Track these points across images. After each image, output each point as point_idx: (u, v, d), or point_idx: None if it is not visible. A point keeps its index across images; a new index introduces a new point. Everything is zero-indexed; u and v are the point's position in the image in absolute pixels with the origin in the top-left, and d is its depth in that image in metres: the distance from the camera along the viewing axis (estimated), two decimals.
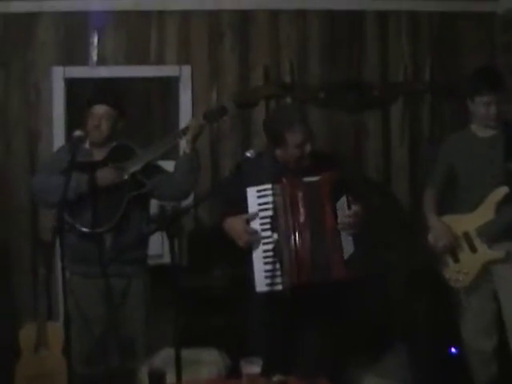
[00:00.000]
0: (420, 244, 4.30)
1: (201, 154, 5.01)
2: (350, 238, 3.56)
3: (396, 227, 5.23)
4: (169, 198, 4.24)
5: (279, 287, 3.57)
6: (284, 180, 3.61)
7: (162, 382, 2.95)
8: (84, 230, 3.92)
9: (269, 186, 3.62)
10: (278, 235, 3.59)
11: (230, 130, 5.30)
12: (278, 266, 3.57)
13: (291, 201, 3.59)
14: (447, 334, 4.51)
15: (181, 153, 4.16)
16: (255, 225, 3.63)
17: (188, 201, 4.31)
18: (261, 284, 3.59)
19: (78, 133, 3.82)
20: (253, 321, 3.81)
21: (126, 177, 3.95)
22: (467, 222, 4.01)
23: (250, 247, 3.64)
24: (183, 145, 4.13)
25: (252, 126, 5.31)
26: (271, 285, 3.58)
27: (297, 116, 3.67)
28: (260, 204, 3.64)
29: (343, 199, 3.57)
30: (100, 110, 3.99)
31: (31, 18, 5.19)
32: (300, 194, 3.59)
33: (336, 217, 3.55)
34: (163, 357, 3.57)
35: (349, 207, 3.56)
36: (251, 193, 3.65)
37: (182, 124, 5.15)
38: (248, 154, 3.49)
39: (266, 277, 3.58)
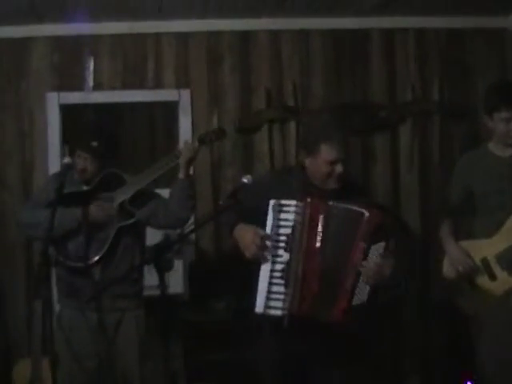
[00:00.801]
0: (434, 272, 4.13)
1: (201, 180, 5.05)
2: (367, 287, 3.29)
3: (413, 261, 5.01)
4: (165, 227, 4.04)
5: (278, 312, 3.32)
6: (308, 199, 3.34)
7: None
8: (70, 263, 3.79)
9: (294, 202, 3.35)
10: (290, 257, 3.33)
11: (231, 156, 5.15)
12: (282, 289, 3.33)
13: (310, 223, 3.32)
14: (463, 366, 4.29)
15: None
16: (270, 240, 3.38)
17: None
18: (261, 305, 3.34)
19: (66, 160, 3.76)
20: (259, 358, 3.57)
21: (115, 208, 3.80)
22: (486, 248, 3.79)
23: (256, 261, 3.37)
24: None
25: (254, 151, 5.16)
26: (271, 308, 3.32)
27: (338, 132, 3.44)
28: (280, 219, 3.35)
29: (381, 245, 3.28)
30: (83, 155, 3.84)
31: (24, 43, 5.07)
32: (321, 218, 3.31)
33: (364, 258, 3.28)
34: None
35: (383, 256, 3.28)
36: (274, 206, 3.37)
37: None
38: (245, 180, 3.32)
39: (268, 298, 3.33)
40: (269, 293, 3.34)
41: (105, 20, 5.02)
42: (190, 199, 3.87)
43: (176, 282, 4.98)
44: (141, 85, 5.15)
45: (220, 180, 5.13)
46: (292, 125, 5.14)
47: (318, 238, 3.31)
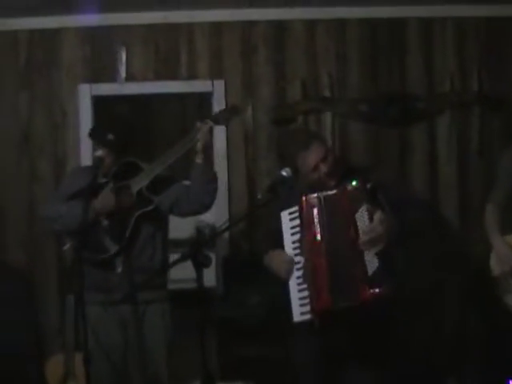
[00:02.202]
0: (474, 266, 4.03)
1: (236, 173, 5.03)
2: (373, 256, 3.24)
3: (445, 246, 4.91)
4: (188, 213, 3.94)
5: (309, 316, 3.32)
6: (303, 198, 3.38)
7: None
8: (90, 256, 3.74)
9: (296, 207, 3.41)
10: (304, 258, 3.36)
11: (266, 148, 5.07)
12: (306, 293, 3.33)
13: (308, 220, 3.36)
14: (505, 365, 4.19)
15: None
16: (289, 250, 3.43)
17: (222, 224, 4.06)
18: (296, 314, 3.37)
19: (99, 153, 3.78)
20: (293, 356, 3.61)
21: (133, 196, 3.74)
22: None
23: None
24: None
25: None
26: (304, 314, 3.33)
27: (304, 138, 3.50)
28: (292, 227, 3.44)
29: (362, 208, 3.26)
30: (101, 150, 3.82)
31: (55, 34, 5.04)
32: (315, 211, 3.35)
33: (357, 231, 3.26)
34: None
35: (370, 219, 3.25)
36: (284, 217, 3.46)
37: (217, 142, 5.00)
38: (284, 173, 3.33)
39: (300, 305, 3.35)
40: (299, 299, 3.36)
41: (137, 10, 4.97)
42: (211, 183, 3.80)
43: (209, 275, 4.94)
44: (174, 76, 5.09)
45: (255, 173, 5.06)
46: (328, 116, 5.05)
47: (318, 232, 3.34)
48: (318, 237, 3.34)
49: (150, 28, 5.06)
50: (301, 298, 3.35)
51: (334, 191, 3.37)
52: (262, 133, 4.99)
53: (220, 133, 4.99)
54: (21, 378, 4.62)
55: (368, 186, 3.29)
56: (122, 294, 3.76)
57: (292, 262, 3.40)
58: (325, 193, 3.37)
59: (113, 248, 3.76)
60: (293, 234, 3.42)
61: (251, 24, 5.10)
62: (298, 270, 3.38)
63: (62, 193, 3.92)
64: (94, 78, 5.05)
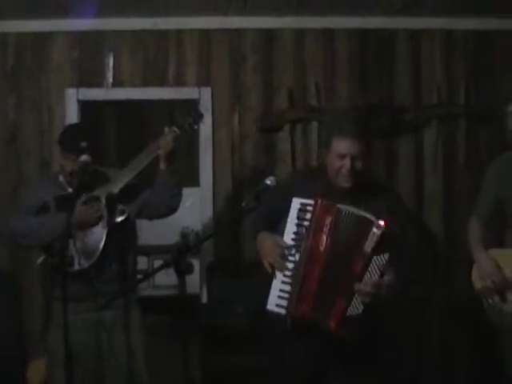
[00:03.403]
0: (458, 281, 4.03)
1: (222, 180, 5.02)
2: (360, 302, 3.17)
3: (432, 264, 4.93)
4: (155, 216, 4.00)
5: (282, 311, 3.30)
6: (319, 200, 3.28)
7: None
8: (65, 268, 3.68)
9: (311, 201, 3.30)
10: (299, 257, 3.30)
11: (252, 156, 5.07)
12: (289, 288, 3.30)
13: (318, 224, 3.27)
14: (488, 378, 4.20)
15: None
16: (288, 239, 3.34)
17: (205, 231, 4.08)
18: (272, 303, 3.33)
19: (84, 157, 3.72)
20: (277, 361, 3.56)
21: (103, 207, 3.76)
22: None
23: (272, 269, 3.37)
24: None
25: (276, 152, 5.07)
26: (279, 306, 3.31)
27: (352, 127, 3.31)
28: (299, 218, 3.32)
29: (383, 257, 3.14)
30: (73, 157, 3.77)
31: (45, 37, 5.02)
32: (328, 220, 3.24)
33: (365, 269, 3.16)
34: None
35: (381, 274, 3.16)
36: (295, 204, 3.34)
37: (203, 149, 5.04)
38: (268, 182, 3.28)
39: (279, 296, 3.32)
40: (279, 291, 3.32)
41: (127, 16, 4.96)
42: (176, 186, 3.89)
43: (193, 282, 4.94)
44: (161, 82, 5.08)
45: (241, 181, 5.04)
46: (314, 125, 5.04)
47: (323, 241, 3.25)
48: (322, 247, 3.24)
49: (139, 34, 5.05)
50: (282, 290, 3.31)
51: (356, 210, 3.24)
52: (249, 140, 5.00)
53: (207, 140, 5.02)
54: (2, 380, 4.54)
55: (395, 233, 3.16)
56: (97, 303, 3.76)
57: (283, 259, 3.33)
58: (347, 207, 3.25)
59: (86, 261, 3.75)
60: (298, 226, 3.33)
61: (240, 32, 5.09)
62: (289, 262, 3.32)
63: (26, 206, 3.87)
64: (82, 83, 5.03)
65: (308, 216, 3.29)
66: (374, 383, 3.44)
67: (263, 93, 5.10)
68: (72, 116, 4.99)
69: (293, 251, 3.33)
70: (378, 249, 3.13)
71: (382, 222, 3.12)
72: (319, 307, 3.23)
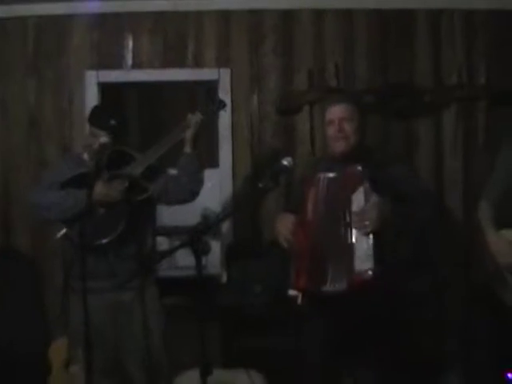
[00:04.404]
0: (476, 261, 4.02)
1: (241, 161, 5.05)
2: (368, 238, 3.24)
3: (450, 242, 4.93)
4: (176, 201, 4.02)
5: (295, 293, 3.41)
6: (306, 177, 3.51)
7: None
8: (85, 244, 3.72)
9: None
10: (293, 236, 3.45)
11: (271, 138, 5.08)
12: (297, 270, 3.41)
13: (305, 199, 3.45)
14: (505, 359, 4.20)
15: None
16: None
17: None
18: (290, 286, 3.44)
19: (103, 139, 3.81)
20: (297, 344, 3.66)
21: (126, 184, 3.79)
22: None
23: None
24: None
25: (295, 133, 5.07)
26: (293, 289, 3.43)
27: (342, 94, 3.54)
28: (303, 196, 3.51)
29: (360, 190, 3.28)
30: (100, 133, 3.86)
31: (63, 20, 5.05)
32: (312, 192, 3.43)
33: (350, 214, 3.28)
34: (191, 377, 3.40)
35: (366, 200, 3.26)
36: (300, 183, 3.60)
37: (222, 130, 5.08)
38: (285, 162, 3.34)
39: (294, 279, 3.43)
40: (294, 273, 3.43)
41: None
42: (199, 171, 3.93)
43: (213, 263, 5.00)
44: (181, 63, 5.10)
45: (260, 161, 5.05)
46: None
47: (309, 212, 3.41)
48: (309, 217, 3.40)
49: (158, 15, 5.07)
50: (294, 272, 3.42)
51: (335, 173, 3.42)
52: (268, 122, 5.02)
53: (226, 121, 5.03)
54: (25, 360, 4.66)
55: (369, 171, 3.31)
56: (114, 282, 3.82)
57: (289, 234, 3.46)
58: (327, 174, 3.42)
59: (107, 236, 3.80)
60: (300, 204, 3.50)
61: (259, 13, 5.09)
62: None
63: (51, 181, 3.93)
64: (102, 65, 5.06)
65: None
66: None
67: (282, 74, 5.10)
68: (92, 98, 5.01)
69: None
70: (352, 187, 3.30)
71: (346, 171, 3.35)
72: (319, 276, 3.31)
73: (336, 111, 3.53)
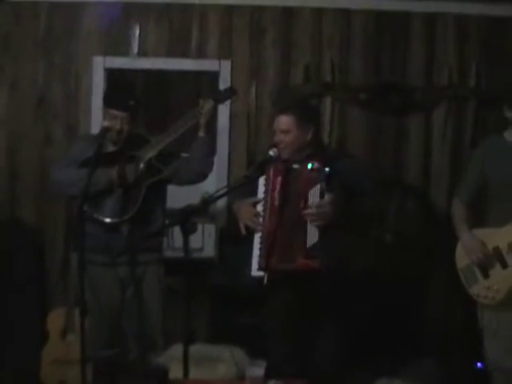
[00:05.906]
0: None
1: (237, 150, 5.22)
2: (315, 230, 3.53)
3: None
4: (186, 182, 4.22)
5: (261, 273, 3.65)
6: (273, 166, 3.69)
7: (165, 378, 2.93)
8: (103, 219, 3.98)
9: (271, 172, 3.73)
10: (262, 217, 3.69)
11: (267, 128, 5.15)
12: (262, 251, 3.64)
13: (272, 187, 3.68)
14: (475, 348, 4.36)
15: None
16: (259, 209, 3.74)
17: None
18: (254, 269, 3.70)
19: (106, 123, 3.98)
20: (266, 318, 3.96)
21: (141, 166, 3.97)
22: (498, 237, 3.78)
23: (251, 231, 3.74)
24: None
25: None
26: (259, 270, 3.66)
27: (287, 105, 3.89)
28: (264, 192, 3.73)
29: (317, 187, 3.55)
30: (120, 114, 4.01)
31: (73, 6, 5.20)
32: (279, 180, 3.65)
33: (306, 205, 3.55)
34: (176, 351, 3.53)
35: (321, 197, 3.53)
36: (261, 181, 3.76)
37: (221, 119, 5.21)
38: (271, 153, 3.66)
39: (258, 261, 3.66)
40: (257, 256, 3.68)
41: None
42: (211, 155, 4.17)
43: (209, 246, 5.17)
44: (184, 53, 5.25)
45: (256, 151, 5.21)
46: (328, 101, 5.21)
47: (277, 198, 3.65)
48: (277, 202, 3.64)
49: (164, 6, 5.21)
50: (257, 255, 3.67)
51: (297, 166, 3.66)
52: (264, 113, 5.17)
53: (224, 111, 5.16)
54: (24, 328, 4.83)
55: (326, 170, 3.55)
56: (125, 256, 4.03)
57: (253, 218, 3.72)
58: (291, 166, 3.68)
59: (124, 214, 3.99)
60: (263, 198, 3.73)
61: (261, 8, 5.24)
62: (261, 229, 3.69)
63: (73, 159, 4.09)
64: (109, 51, 5.22)
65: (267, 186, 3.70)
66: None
67: (281, 67, 5.25)
68: (98, 83, 5.18)
69: (261, 218, 3.69)
70: (310, 184, 3.56)
71: (309, 165, 3.57)
72: (284, 257, 3.59)
73: (278, 122, 3.79)
